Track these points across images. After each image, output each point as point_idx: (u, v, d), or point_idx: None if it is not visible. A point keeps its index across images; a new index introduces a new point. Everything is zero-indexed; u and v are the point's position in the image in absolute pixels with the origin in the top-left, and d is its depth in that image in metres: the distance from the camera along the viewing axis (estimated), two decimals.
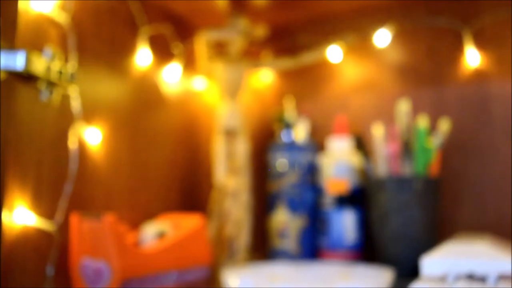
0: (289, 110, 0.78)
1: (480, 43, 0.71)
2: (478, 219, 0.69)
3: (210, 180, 0.76)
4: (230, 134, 0.74)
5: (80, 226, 0.50)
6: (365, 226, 0.70)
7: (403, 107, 0.66)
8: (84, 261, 0.49)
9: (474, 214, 0.69)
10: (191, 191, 0.78)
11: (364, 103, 0.78)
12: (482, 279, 0.42)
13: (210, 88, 0.82)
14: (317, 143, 0.76)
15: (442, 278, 0.44)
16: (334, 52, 0.77)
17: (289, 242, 0.71)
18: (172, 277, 0.56)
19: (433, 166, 0.64)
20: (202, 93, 0.82)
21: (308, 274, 0.55)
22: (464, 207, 0.70)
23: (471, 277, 0.43)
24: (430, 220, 0.62)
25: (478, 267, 0.44)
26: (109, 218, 0.48)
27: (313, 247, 0.72)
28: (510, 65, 0.69)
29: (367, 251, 0.70)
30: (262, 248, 0.77)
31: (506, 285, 0.41)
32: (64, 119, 0.54)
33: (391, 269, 0.62)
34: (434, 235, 0.63)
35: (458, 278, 0.43)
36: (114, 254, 0.47)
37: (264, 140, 0.82)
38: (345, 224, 0.69)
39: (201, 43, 0.74)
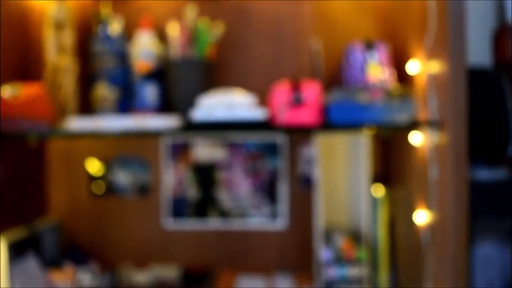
0: (106, 11, 1.01)
1: None
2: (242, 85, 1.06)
3: (43, 60, 0.97)
4: (58, 26, 0.95)
5: None
6: (165, 93, 1.00)
7: (190, 11, 0.96)
8: None
9: (239, 82, 1.06)
10: (28, 66, 0.98)
11: (163, 7, 1.06)
12: (233, 106, 0.77)
13: None
14: (128, 36, 1.02)
15: (210, 106, 0.78)
16: None
17: (109, 105, 0.98)
18: (25, 122, 0.79)
19: (210, 54, 0.97)
20: None
21: (127, 118, 0.83)
22: (233, 78, 1.06)
23: (226, 104, 0.78)
24: (206, 85, 0.95)
25: (230, 100, 0.79)
26: None
27: (127, 108, 0.99)
28: None
29: (165, 108, 1.00)
30: (88, 111, 1.02)
31: (249, 111, 0.76)
32: None
33: (181, 113, 0.94)
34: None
35: (218, 106, 0.78)
36: None
37: (87, 32, 1.04)
38: (149, 93, 0.98)
39: None
